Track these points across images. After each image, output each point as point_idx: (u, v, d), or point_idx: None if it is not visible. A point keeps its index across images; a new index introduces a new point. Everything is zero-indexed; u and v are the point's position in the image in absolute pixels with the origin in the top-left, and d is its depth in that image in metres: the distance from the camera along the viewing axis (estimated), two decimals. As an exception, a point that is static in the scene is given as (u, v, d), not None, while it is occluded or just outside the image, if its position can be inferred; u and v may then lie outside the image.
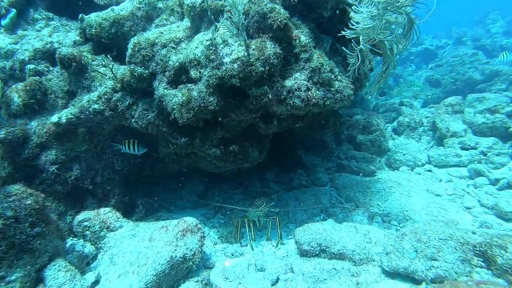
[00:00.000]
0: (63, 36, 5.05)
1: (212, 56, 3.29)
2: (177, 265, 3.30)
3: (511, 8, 19.73)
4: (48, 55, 4.89)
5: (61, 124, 4.26)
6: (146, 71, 3.92)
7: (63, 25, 5.37)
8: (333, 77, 3.50)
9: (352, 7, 3.12)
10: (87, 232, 3.84)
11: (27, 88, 4.40)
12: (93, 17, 4.59)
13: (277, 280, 3.46)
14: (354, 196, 5.52)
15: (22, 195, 2.88)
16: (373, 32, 3.12)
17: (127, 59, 3.93)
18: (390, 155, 7.37)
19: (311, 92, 3.39)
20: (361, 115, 7.93)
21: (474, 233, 3.45)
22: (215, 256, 3.98)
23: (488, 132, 7.11)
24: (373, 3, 2.97)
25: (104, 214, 3.94)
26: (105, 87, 4.18)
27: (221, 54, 3.27)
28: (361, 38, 3.36)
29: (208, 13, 3.45)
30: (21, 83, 4.43)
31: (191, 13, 3.67)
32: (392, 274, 3.26)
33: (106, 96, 4.13)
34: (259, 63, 3.17)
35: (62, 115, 4.23)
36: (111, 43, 4.66)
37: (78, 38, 4.89)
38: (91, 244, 3.79)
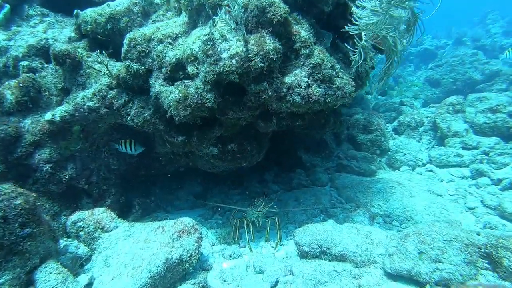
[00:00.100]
0: (58, 32, 4.94)
1: (210, 52, 3.20)
2: (173, 267, 3.20)
3: (510, 8, 19.72)
4: (42, 52, 4.78)
5: (55, 122, 4.16)
6: (142, 67, 3.82)
7: (58, 21, 5.26)
8: (334, 73, 3.40)
9: (356, 2, 3.03)
10: (81, 233, 3.73)
11: (21, 85, 4.29)
12: (89, 13, 4.48)
13: (277, 282, 3.36)
14: (354, 196, 5.43)
15: (11, 195, 2.77)
16: (377, 28, 3.02)
17: (122, 55, 3.83)
18: (390, 155, 7.29)
19: (311, 89, 3.30)
20: (361, 115, 7.84)
21: (478, 234, 3.36)
22: (212, 257, 3.88)
23: (490, 132, 7.03)
24: (376, -3, 2.88)
25: (98, 214, 3.83)
26: (100, 84, 4.08)
27: (219, 49, 3.17)
28: (363, 34, 3.27)
29: (206, 7, 3.35)
30: (14, 80, 4.32)
31: (189, 8, 3.58)
32: (395, 276, 3.16)
33: (101, 93, 4.03)
34: (258, 59, 3.07)
35: (56, 113, 4.13)
36: (107, 39, 4.55)
37: (73, 34, 4.78)
38: (85, 245, 3.69)
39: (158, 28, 3.83)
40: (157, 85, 3.69)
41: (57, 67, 4.48)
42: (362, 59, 3.31)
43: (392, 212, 4.92)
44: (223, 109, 3.51)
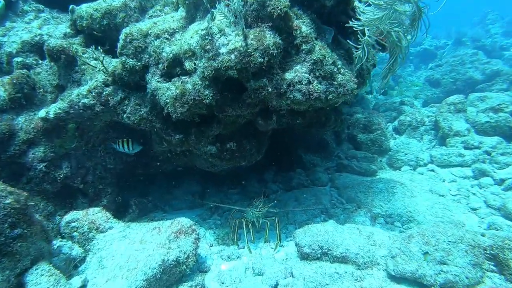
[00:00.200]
0: (53, 28, 4.83)
1: (208, 47, 3.09)
2: (170, 269, 3.09)
3: (510, 8, 19.69)
4: (37, 48, 4.66)
5: (49, 120, 4.05)
6: (139, 63, 3.71)
7: (53, 17, 5.15)
8: (335, 70, 3.31)
9: (358, -4, 2.94)
10: (75, 234, 3.62)
11: (14, 81, 4.18)
12: (84, 8, 4.37)
13: (276, 285, 3.26)
14: (355, 196, 5.33)
15: (1, 194, 2.66)
16: (381, 23, 2.93)
17: (118, 50, 3.72)
18: (391, 155, 7.20)
19: (312, 86, 3.20)
20: (362, 114, 7.76)
21: (483, 235, 3.27)
22: (210, 259, 3.78)
23: (492, 132, 6.95)
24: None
25: (93, 214, 3.72)
26: (96, 80, 3.97)
27: (217, 44, 3.07)
28: (366, 29, 3.18)
29: (204, 1, 3.25)
30: (7, 76, 4.21)
31: (186, 2, 3.48)
32: (398, 278, 3.07)
33: (96, 90, 3.92)
34: (257, 54, 2.97)
35: (50, 110, 4.02)
36: (103, 36, 4.44)
37: (68, 30, 4.67)
38: (79, 246, 3.57)
39: (155, 23, 3.73)
40: (153, 81, 3.59)
41: (52, 64, 4.37)
42: (366, 55, 3.22)
43: (394, 213, 4.83)
44: (222, 106, 3.40)
